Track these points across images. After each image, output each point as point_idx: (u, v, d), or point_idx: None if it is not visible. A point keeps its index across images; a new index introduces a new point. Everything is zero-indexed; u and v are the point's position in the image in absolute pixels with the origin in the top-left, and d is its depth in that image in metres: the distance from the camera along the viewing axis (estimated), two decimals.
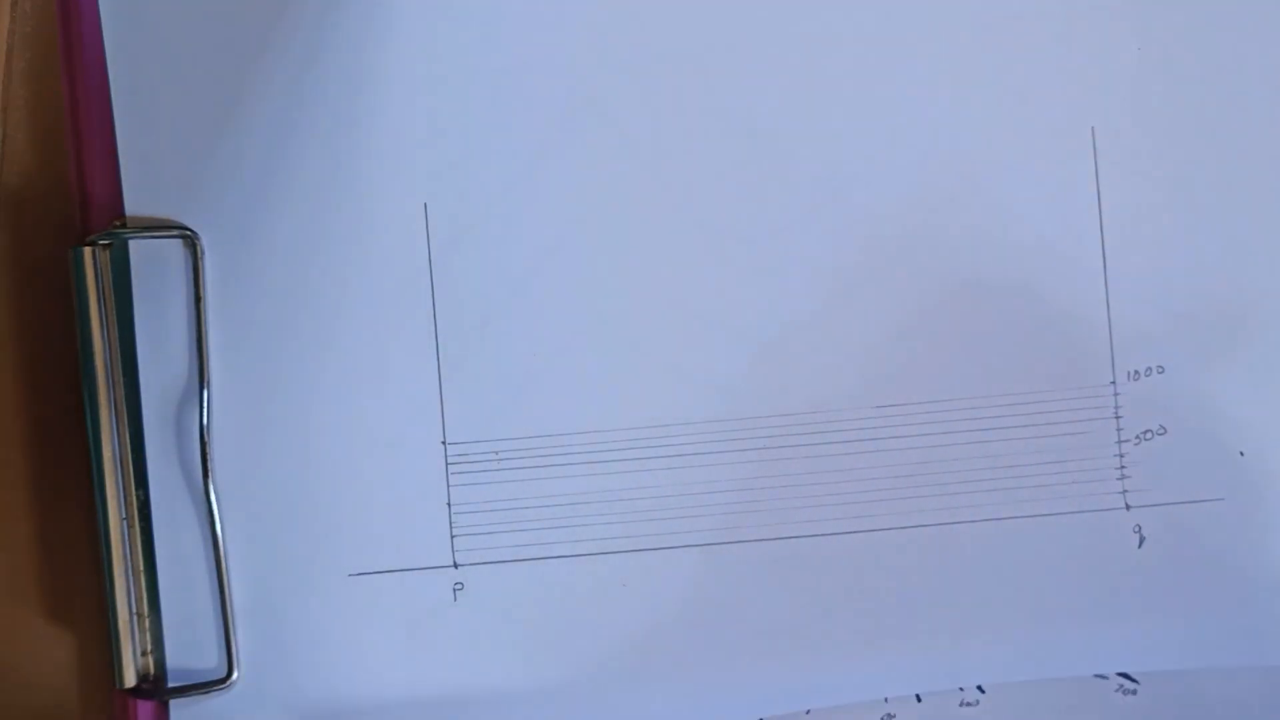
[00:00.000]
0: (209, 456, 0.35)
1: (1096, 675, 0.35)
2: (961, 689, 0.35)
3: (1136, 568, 0.35)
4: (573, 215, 0.36)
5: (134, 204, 0.36)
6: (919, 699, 0.35)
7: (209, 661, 0.36)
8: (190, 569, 0.36)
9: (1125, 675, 0.35)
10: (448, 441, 0.36)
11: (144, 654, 0.35)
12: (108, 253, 0.35)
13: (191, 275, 0.36)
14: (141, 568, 0.35)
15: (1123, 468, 0.35)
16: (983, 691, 0.35)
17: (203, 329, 0.36)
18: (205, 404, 0.35)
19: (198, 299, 0.36)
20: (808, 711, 0.35)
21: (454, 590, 0.36)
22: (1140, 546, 0.35)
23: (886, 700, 0.35)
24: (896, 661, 0.35)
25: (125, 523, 0.35)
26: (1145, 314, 0.35)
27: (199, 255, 0.35)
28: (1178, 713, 0.35)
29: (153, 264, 0.36)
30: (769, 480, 0.36)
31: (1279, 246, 0.35)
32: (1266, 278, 0.35)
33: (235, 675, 0.35)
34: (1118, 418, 0.35)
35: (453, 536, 0.36)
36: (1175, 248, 0.35)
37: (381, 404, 0.36)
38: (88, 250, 0.35)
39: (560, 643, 0.36)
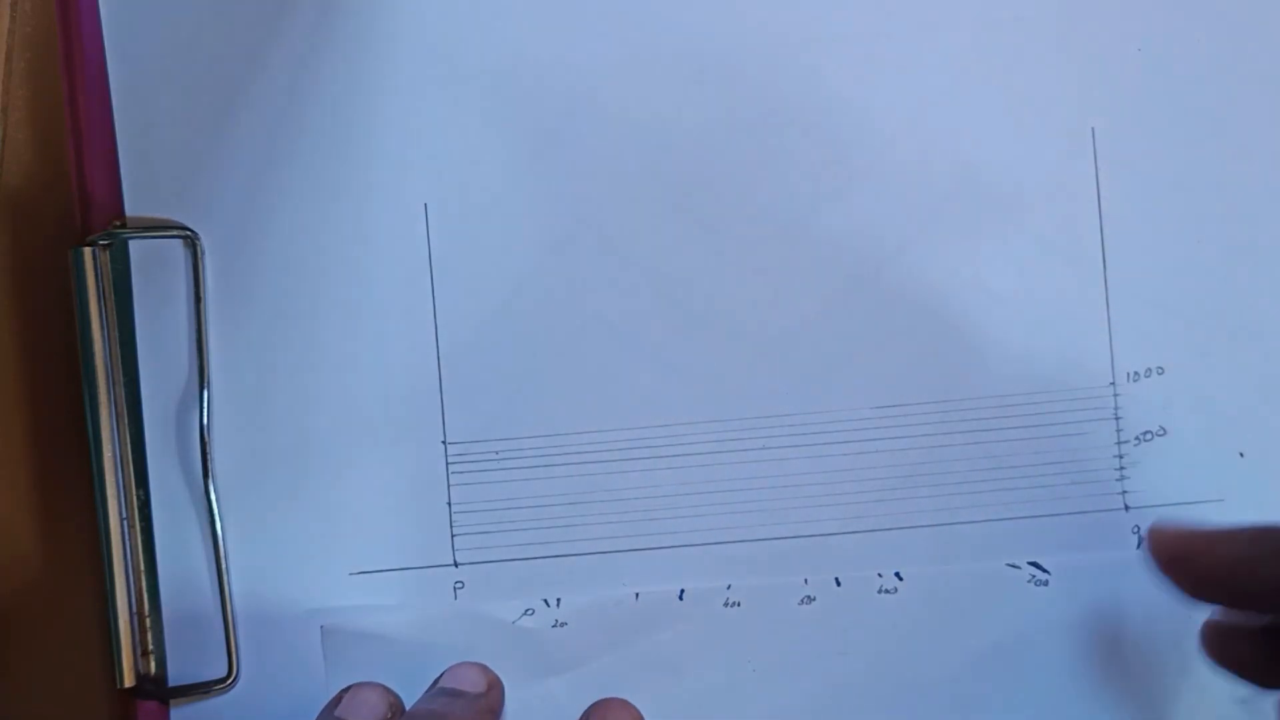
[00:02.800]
0: (209, 456, 0.35)
1: (1009, 564, 0.35)
2: (880, 575, 0.35)
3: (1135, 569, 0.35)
4: (572, 215, 0.36)
5: (134, 204, 0.36)
6: (838, 583, 0.35)
7: (209, 661, 0.36)
8: (190, 569, 0.36)
9: (1037, 565, 0.35)
10: (448, 441, 0.36)
11: (144, 654, 0.35)
12: (108, 253, 0.35)
13: (191, 275, 0.36)
14: (141, 568, 0.35)
15: (1122, 469, 0.35)
16: (900, 579, 0.35)
17: (203, 329, 0.36)
18: (205, 404, 0.35)
19: (198, 299, 0.36)
20: (729, 586, 0.35)
21: (454, 589, 0.36)
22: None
23: (806, 582, 0.35)
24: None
25: (125, 523, 0.35)
26: (1145, 314, 0.35)
27: (199, 255, 0.36)
28: (1086, 603, 0.35)
29: (153, 264, 0.36)
30: (769, 480, 0.36)
31: (1278, 246, 0.35)
32: (1267, 278, 0.35)
33: (235, 675, 0.35)
34: (1117, 419, 0.35)
35: (453, 536, 0.36)
36: (1175, 248, 0.35)
37: (381, 404, 0.36)
38: (88, 250, 0.35)
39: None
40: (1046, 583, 0.35)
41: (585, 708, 0.35)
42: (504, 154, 0.36)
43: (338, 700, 0.34)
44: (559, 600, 0.35)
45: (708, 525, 0.36)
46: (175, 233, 0.35)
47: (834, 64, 0.35)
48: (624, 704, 0.35)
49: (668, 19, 0.36)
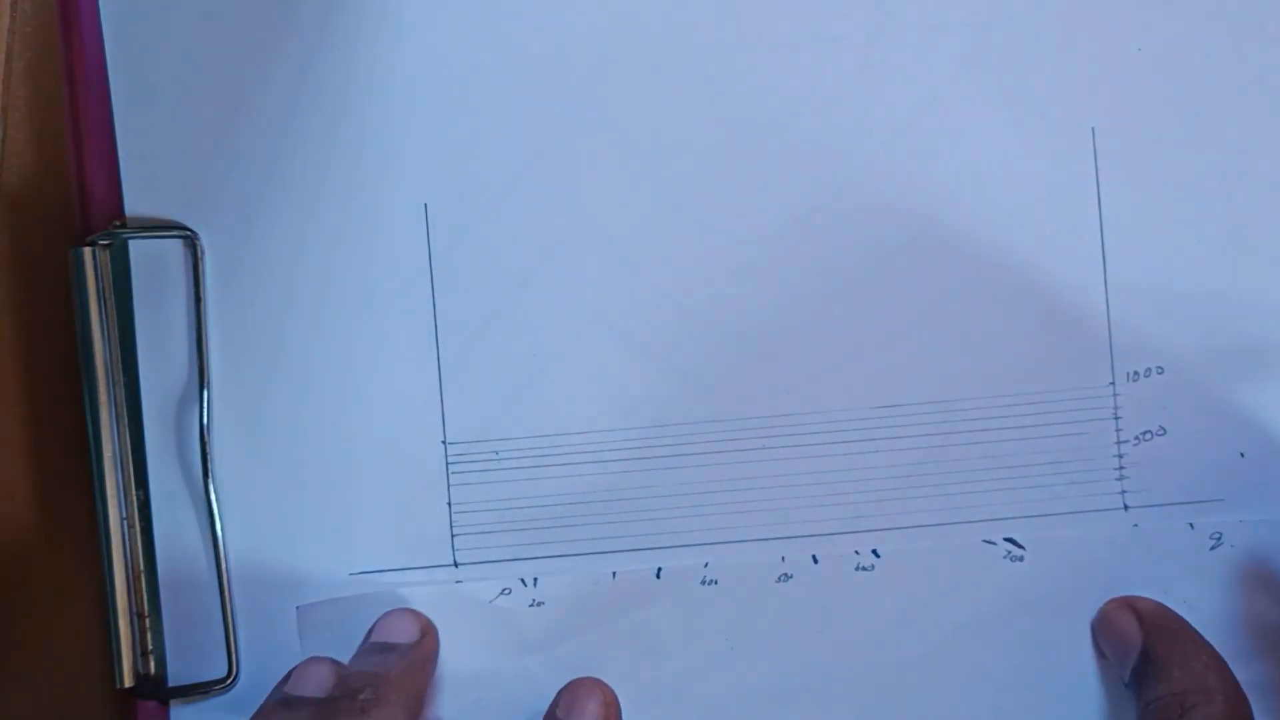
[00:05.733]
0: (209, 456, 0.35)
1: (985, 541, 0.35)
2: (857, 552, 0.35)
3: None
4: (572, 215, 0.36)
5: (134, 204, 0.36)
6: (815, 560, 0.35)
7: (209, 661, 0.36)
8: (190, 569, 0.36)
9: (1012, 541, 0.35)
10: (448, 441, 0.36)
11: (144, 654, 0.35)
12: (108, 253, 0.35)
13: (191, 275, 0.36)
14: (141, 568, 0.35)
15: (1122, 468, 0.35)
16: (878, 556, 0.35)
17: (203, 329, 0.36)
18: (205, 404, 0.35)
19: (198, 299, 0.36)
20: (706, 564, 0.36)
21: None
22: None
23: (784, 559, 0.35)
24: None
25: (125, 523, 0.35)
26: (1145, 314, 0.35)
27: (199, 255, 0.36)
28: (1062, 578, 0.35)
29: (153, 264, 0.36)
30: (769, 480, 0.36)
31: (1278, 246, 0.35)
32: (1267, 278, 0.35)
33: (235, 675, 0.35)
34: (1117, 418, 0.35)
35: (453, 536, 0.36)
36: (1175, 248, 0.35)
37: (381, 404, 0.36)
38: (88, 250, 0.35)
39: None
40: (1022, 558, 0.35)
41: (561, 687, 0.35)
42: (504, 154, 0.36)
43: (287, 678, 0.34)
44: (536, 580, 0.35)
45: (707, 525, 0.36)
46: (175, 233, 0.35)
47: (834, 64, 0.35)
48: (595, 682, 0.35)
49: (667, 19, 0.36)
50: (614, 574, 0.35)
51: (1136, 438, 0.35)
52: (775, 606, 0.35)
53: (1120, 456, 0.35)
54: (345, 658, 0.34)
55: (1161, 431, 0.35)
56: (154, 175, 0.36)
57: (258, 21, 0.35)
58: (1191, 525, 0.35)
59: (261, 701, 0.34)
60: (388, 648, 0.34)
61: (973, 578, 0.35)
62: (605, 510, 0.36)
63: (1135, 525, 0.35)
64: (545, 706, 0.34)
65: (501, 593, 0.35)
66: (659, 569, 0.35)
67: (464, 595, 0.35)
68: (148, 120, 0.36)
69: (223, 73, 0.36)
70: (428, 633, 0.35)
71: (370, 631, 0.35)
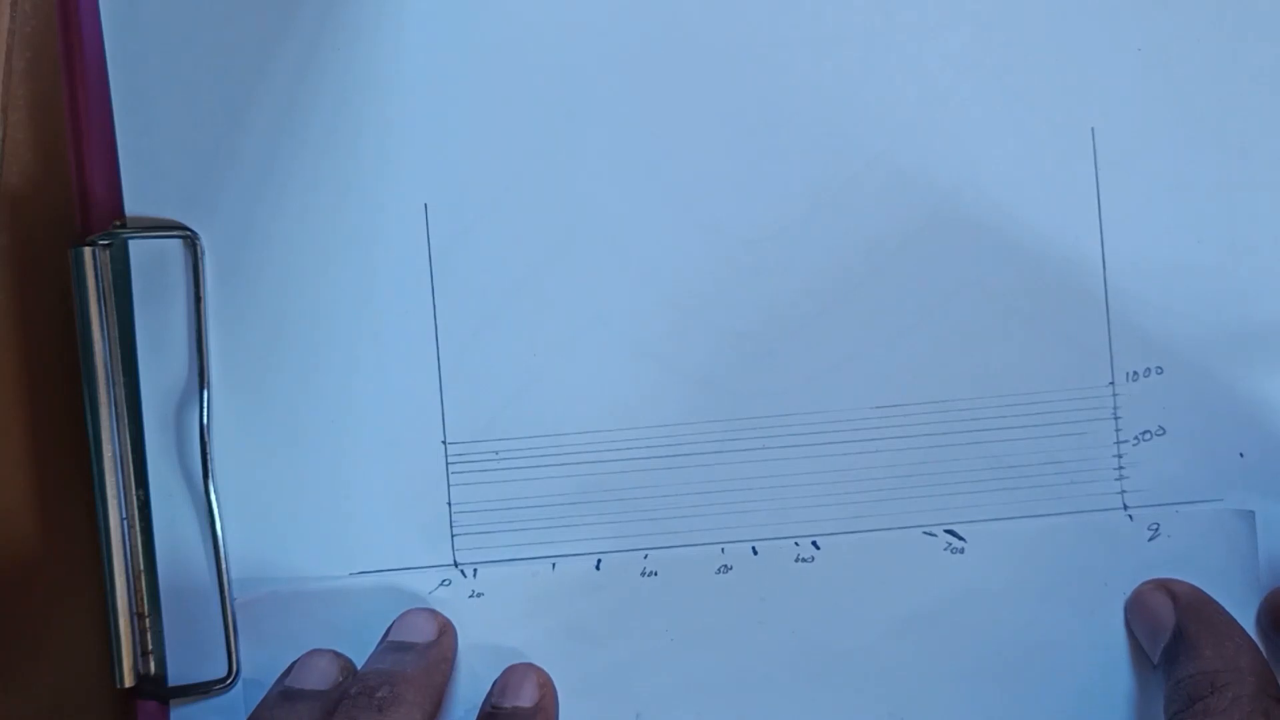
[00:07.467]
0: (209, 456, 0.35)
1: (925, 532, 0.35)
2: (797, 544, 0.35)
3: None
4: (572, 215, 0.36)
5: (134, 204, 0.36)
6: (755, 552, 0.35)
7: (209, 661, 0.36)
8: (190, 569, 0.36)
9: (952, 533, 0.35)
10: (448, 441, 0.36)
11: (144, 654, 0.35)
12: (108, 253, 0.35)
13: (191, 275, 0.36)
14: (141, 568, 0.35)
15: (1121, 468, 0.35)
16: (817, 547, 0.35)
17: (203, 329, 0.36)
18: (205, 404, 0.35)
19: (198, 299, 0.36)
20: (646, 555, 0.36)
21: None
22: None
23: (723, 551, 0.36)
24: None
25: (125, 523, 0.35)
26: (1145, 314, 0.35)
27: (199, 255, 0.36)
28: (1003, 569, 0.35)
29: (153, 264, 0.36)
30: (769, 480, 0.36)
31: (1278, 247, 0.35)
32: (1266, 278, 0.35)
33: (235, 675, 0.35)
34: (1116, 418, 0.35)
35: (453, 536, 0.36)
36: (1175, 248, 0.35)
37: (381, 404, 0.36)
38: (88, 250, 0.35)
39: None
40: (963, 550, 0.35)
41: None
42: (504, 154, 0.36)
43: (288, 671, 0.34)
44: (475, 570, 0.35)
45: (708, 525, 0.36)
46: (175, 233, 0.35)
47: (834, 64, 0.35)
48: (530, 666, 0.35)
49: (668, 18, 0.36)
50: (553, 564, 0.36)
51: (1136, 437, 0.35)
52: (715, 598, 0.36)
53: (1120, 456, 0.35)
54: (283, 653, 0.35)
55: (1161, 431, 0.35)
56: (154, 175, 0.36)
57: (258, 21, 0.35)
58: (1130, 516, 0.35)
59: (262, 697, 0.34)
60: (405, 646, 0.34)
61: (913, 569, 0.35)
62: (605, 510, 0.36)
63: (1130, 517, 0.35)
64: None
65: (441, 584, 0.36)
66: (599, 560, 0.36)
67: (403, 587, 0.36)
68: (148, 120, 0.36)
69: (223, 72, 0.36)
70: (446, 632, 0.35)
71: (388, 630, 0.35)
